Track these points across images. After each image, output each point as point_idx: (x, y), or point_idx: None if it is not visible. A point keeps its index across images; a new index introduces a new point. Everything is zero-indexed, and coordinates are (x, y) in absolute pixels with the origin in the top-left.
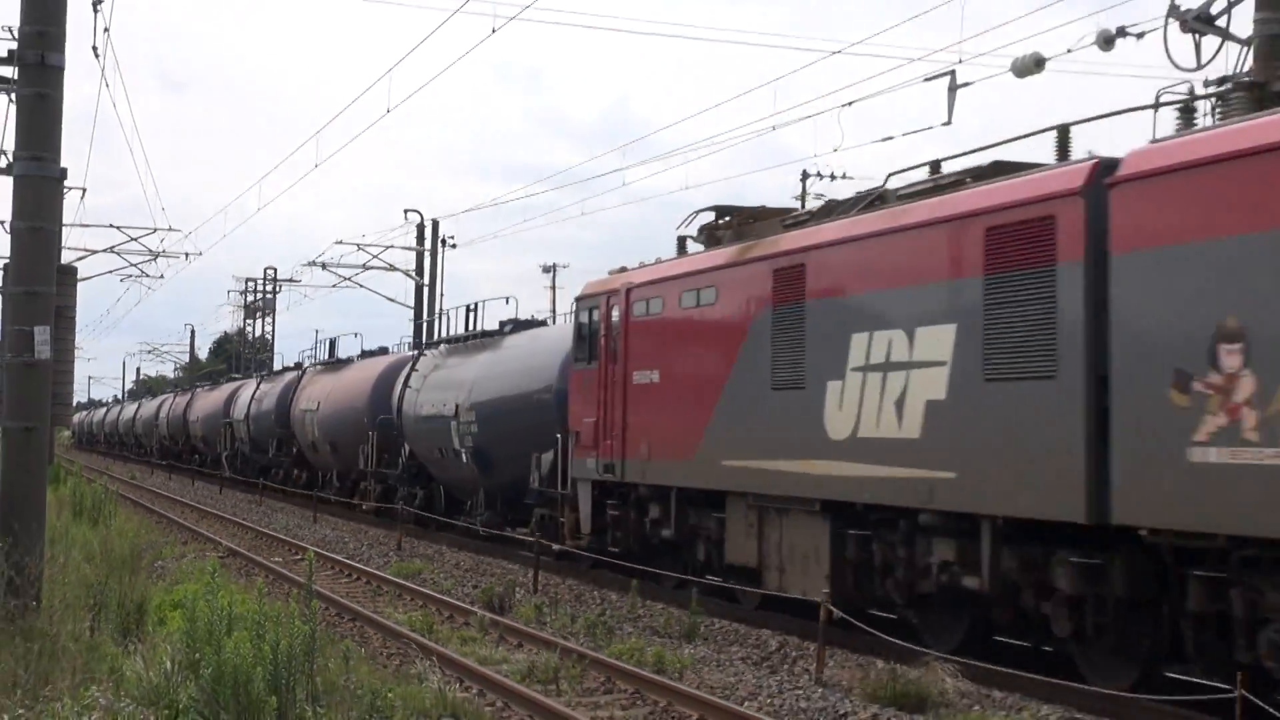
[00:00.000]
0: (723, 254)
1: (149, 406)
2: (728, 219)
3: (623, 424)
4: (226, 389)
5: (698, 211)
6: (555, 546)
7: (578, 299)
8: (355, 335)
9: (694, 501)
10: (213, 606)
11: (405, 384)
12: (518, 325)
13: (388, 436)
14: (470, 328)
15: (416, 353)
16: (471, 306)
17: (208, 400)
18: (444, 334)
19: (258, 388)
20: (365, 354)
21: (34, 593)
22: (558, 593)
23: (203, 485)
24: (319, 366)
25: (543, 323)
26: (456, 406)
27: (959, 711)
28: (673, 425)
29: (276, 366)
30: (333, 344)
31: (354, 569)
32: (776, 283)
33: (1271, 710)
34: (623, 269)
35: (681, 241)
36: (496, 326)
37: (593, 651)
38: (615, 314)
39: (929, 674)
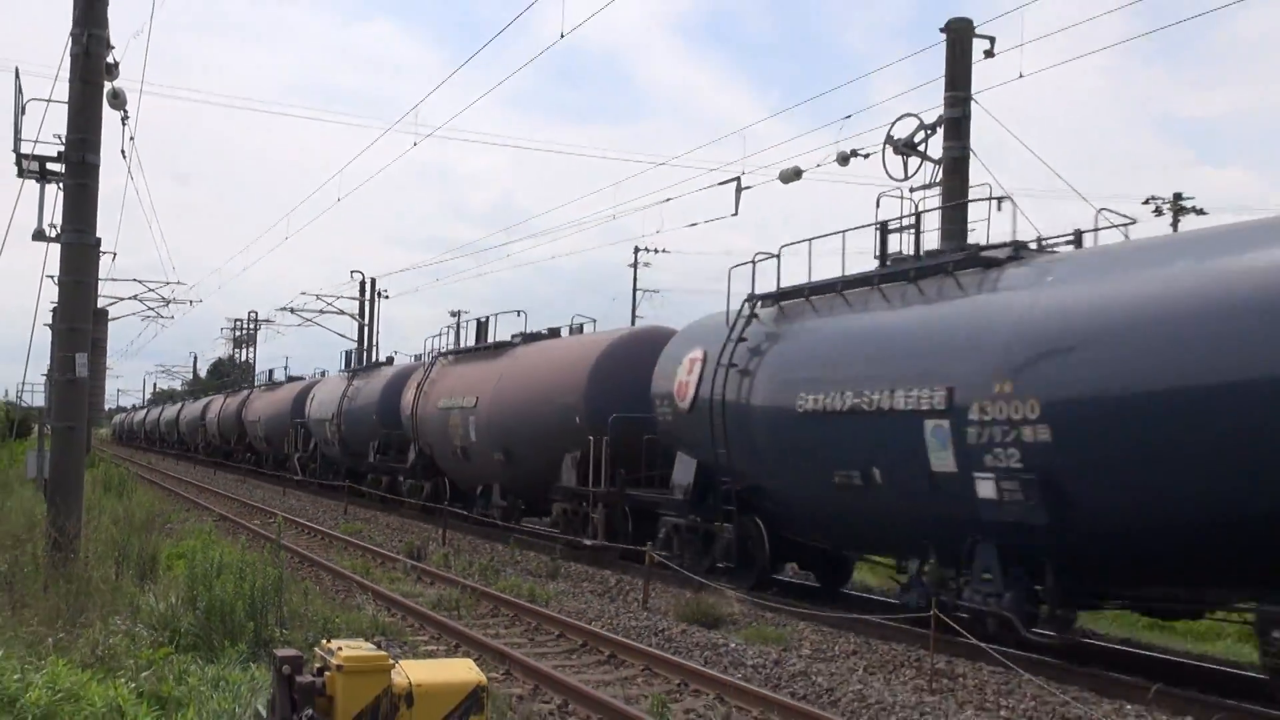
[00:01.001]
0: None
1: (193, 407)
2: None
3: None
4: (294, 387)
5: None
6: None
7: None
8: (518, 314)
9: None
10: (207, 557)
11: (728, 363)
12: (975, 255)
13: (632, 442)
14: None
15: (750, 311)
16: (923, 222)
17: (270, 400)
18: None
19: (349, 384)
20: (528, 337)
21: (73, 547)
22: (460, 545)
23: (200, 468)
24: (451, 357)
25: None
26: (950, 392)
27: (742, 627)
28: None
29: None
30: (481, 324)
31: (313, 529)
32: None
33: (958, 627)
34: None
35: None
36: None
37: (484, 587)
38: None
39: (723, 601)
